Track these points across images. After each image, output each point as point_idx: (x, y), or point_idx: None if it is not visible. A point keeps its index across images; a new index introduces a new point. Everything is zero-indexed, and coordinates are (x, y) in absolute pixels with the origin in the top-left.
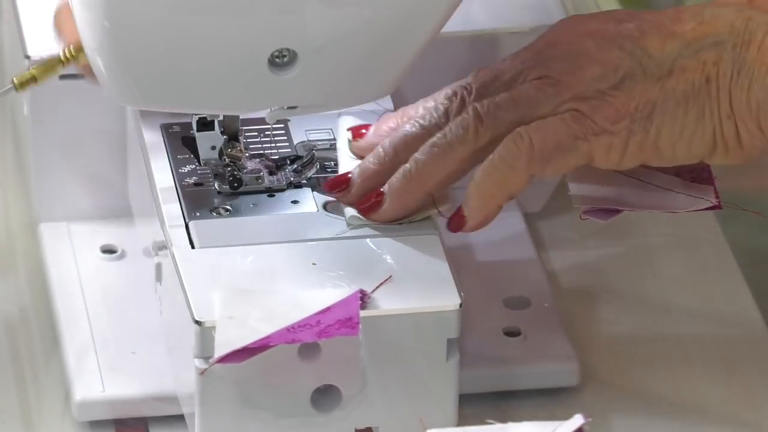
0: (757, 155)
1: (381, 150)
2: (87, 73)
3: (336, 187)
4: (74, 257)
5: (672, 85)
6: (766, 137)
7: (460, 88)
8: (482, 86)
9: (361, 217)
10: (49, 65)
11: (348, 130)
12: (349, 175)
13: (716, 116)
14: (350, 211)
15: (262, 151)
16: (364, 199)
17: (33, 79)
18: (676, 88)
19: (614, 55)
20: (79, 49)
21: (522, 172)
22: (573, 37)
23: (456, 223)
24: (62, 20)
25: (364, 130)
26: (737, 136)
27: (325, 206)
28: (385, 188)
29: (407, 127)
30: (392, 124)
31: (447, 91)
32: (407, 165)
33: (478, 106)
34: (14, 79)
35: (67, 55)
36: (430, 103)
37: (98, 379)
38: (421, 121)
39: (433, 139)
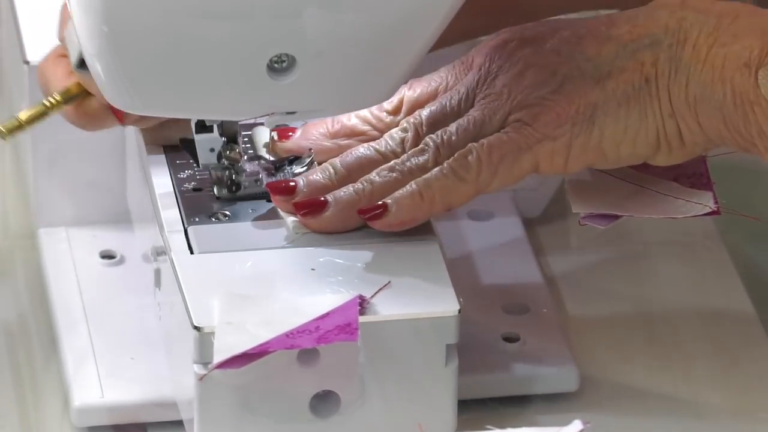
0: (698, 152)
1: (331, 167)
2: (72, 118)
3: (281, 192)
4: (73, 263)
5: (612, 87)
6: (706, 134)
7: (413, 117)
8: (431, 115)
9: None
10: (36, 113)
11: (272, 130)
12: (294, 184)
13: (658, 115)
14: (292, 217)
15: (260, 153)
16: (304, 202)
17: (20, 126)
18: (617, 89)
19: (551, 61)
20: (65, 94)
21: (469, 185)
22: (509, 48)
23: (372, 213)
24: (46, 71)
25: (291, 133)
26: (679, 134)
27: None
28: (329, 197)
29: (361, 149)
30: (322, 130)
31: (401, 125)
32: (359, 185)
33: (434, 137)
34: (1, 126)
35: (53, 101)
36: (367, 125)
37: (97, 385)
38: (377, 146)
39: (391, 164)
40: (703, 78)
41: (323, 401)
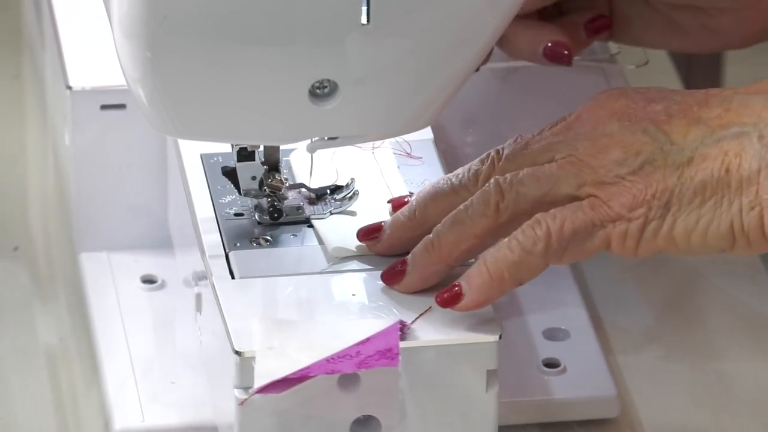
0: None
1: (413, 203)
2: None
3: (368, 235)
4: (114, 287)
5: (690, 174)
6: None
7: (495, 151)
8: (512, 153)
9: (345, 247)
10: None
11: (388, 202)
12: (382, 224)
13: (736, 207)
14: (332, 243)
15: (302, 182)
16: (387, 268)
17: None
18: (694, 177)
19: (637, 139)
20: None
21: (538, 258)
22: (600, 116)
23: (449, 298)
24: None
25: (407, 199)
26: (761, 228)
27: None
28: (408, 258)
29: (439, 182)
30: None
31: (485, 154)
32: (430, 236)
33: (500, 180)
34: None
35: None
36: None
37: (138, 409)
38: (453, 179)
39: (455, 212)
40: None
41: (364, 426)
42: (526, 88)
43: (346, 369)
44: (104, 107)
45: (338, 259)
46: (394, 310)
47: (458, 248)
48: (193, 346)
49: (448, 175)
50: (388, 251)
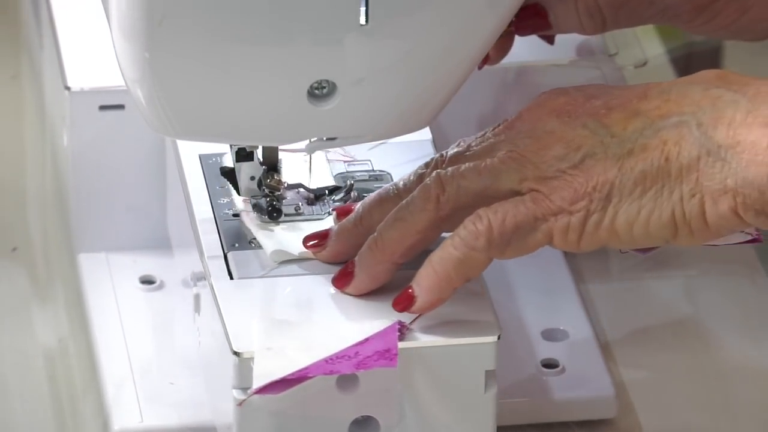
0: (725, 234)
1: (359, 209)
2: None
3: (313, 241)
4: (113, 288)
5: (631, 165)
6: (740, 218)
7: (438, 155)
8: (455, 155)
9: (284, 250)
10: None
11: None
12: (329, 231)
13: (677, 195)
14: (271, 246)
15: (300, 182)
16: (337, 272)
17: None
18: (635, 168)
19: (577, 134)
20: None
21: (481, 254)
22: (540, 114)
23: (403, 303)
24: None
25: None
26: (702, 216)
27: None
28: (356, 259)
29: (385, 188)
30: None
31: (430, 158)
32: (374, 235)
33: (441, 173)
34: None
35: None
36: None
37: (136, 410)
38: (398, 184)
39: (396, 208)
40: (742, 164)
41: (362, 427)
42: (525, 88)
43: (345, 370)
44: (103, 108)
45: (277, 263)
46: (393, 311)
47: (402, 245)
48: (192, 347)
49: (394, 181)
50: (334, 258)
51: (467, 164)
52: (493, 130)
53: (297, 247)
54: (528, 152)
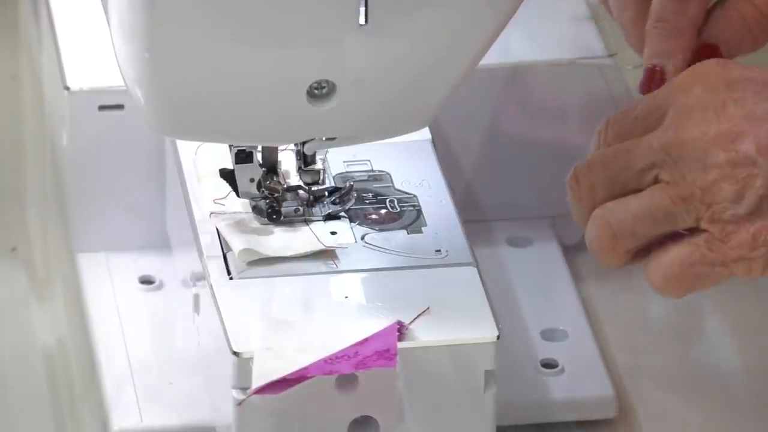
0: None
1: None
2: None
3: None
4: (112, 288)
5: None
6: None
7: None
8: (609, 157)
9: (250, 249)
10: None
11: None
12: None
13: None
14: (239, 245)
15: (300, 184)
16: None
17: None
18: None
19: (750, 173)
20: None
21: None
22: (706, 141)
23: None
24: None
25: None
26: None
27: (363, 237)
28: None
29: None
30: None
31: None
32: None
33: (613, 223)
34: None
35: None
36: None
37: (136, 409)
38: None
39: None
40: None
41: (362, 427)
42: (524, 88)
43: (344, 370)
44: (102, 108)
45: (246, 264)
46: (392, 311)
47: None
48: (191, 347)
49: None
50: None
51: (637, 207)
52: (649, 142)
53: (296, 248)
54: (697, 189)
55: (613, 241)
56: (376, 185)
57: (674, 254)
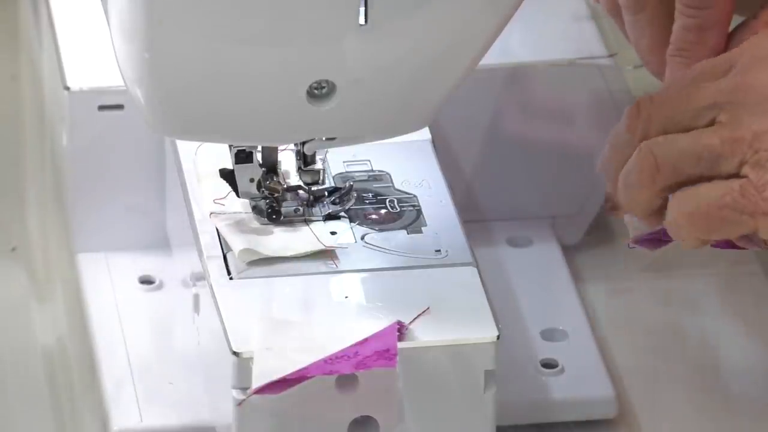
0: None
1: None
2: None
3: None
4: (112, 288)
5: None
6: None
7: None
8: (671, 97)
9: (250, 249)
10: None
11: None
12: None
13: None
14: (239, 245)
15: (300, 184)
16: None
17: None
18: None
19: None
20: None
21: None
22: None
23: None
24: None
25: None
26: None
27: (363, 237)
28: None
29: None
30: None
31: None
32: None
33: (655, 149)
34: None
35: None
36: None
37: (136, 409)
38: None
39: (621, 175)
40: None
41: (362, 427)
42: (524, 88)
43: (344, 370)
44: (102, 108)
45: (246, 263)
46: (392, 311)
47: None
48: (191, 347)
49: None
50: None
51: (685, 142)
52: (716, 84)
53: (296, 248)
54: (749, 132)
55: (654, 174)
56: (376, 185)
57: (705, 192)
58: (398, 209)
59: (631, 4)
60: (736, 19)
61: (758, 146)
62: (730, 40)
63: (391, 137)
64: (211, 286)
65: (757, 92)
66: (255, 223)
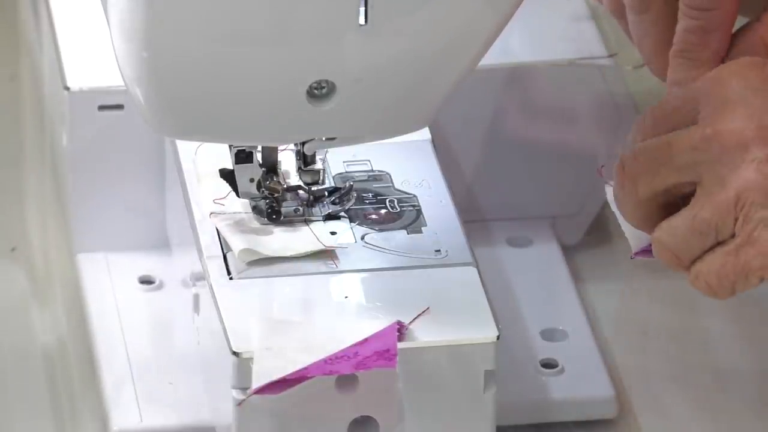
0: None
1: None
2: None
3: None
4: (112, 288)
5: None
6: None
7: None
8: (651, 147)
9: (250, 249)
10: None
11: None
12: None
13: None
14: (239, 245)
15: (300, 184)
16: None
17: None
18: None
19: None
20: None
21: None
22: (745, 136)
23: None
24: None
25: None
26: None
27: (363, 237)
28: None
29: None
30: None
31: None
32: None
33: (665, 240)
34: None
35: None
36: None
37: (135, 409)
38: None
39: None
40: None
41: (362, 427)
42: (524, 88)
43: (344, 370)
44: (102, 108)
45: (245, 263)
46: (392, 311)
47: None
48: (191, 347)
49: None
50: None
51: (682, 221)
52: (687, 127)
53: (296, 248)
54: (732, 192)
55: (678, 260)
56: (375, 185)
57: (708, 265)
58: (398, 209)
59: (635, 4)
60: (740, 21)
61: (742, 203)
62: (733, 42)
63: (391, 137)
64: (211, 286)
65: (730, 140)
66: (255, 223)
